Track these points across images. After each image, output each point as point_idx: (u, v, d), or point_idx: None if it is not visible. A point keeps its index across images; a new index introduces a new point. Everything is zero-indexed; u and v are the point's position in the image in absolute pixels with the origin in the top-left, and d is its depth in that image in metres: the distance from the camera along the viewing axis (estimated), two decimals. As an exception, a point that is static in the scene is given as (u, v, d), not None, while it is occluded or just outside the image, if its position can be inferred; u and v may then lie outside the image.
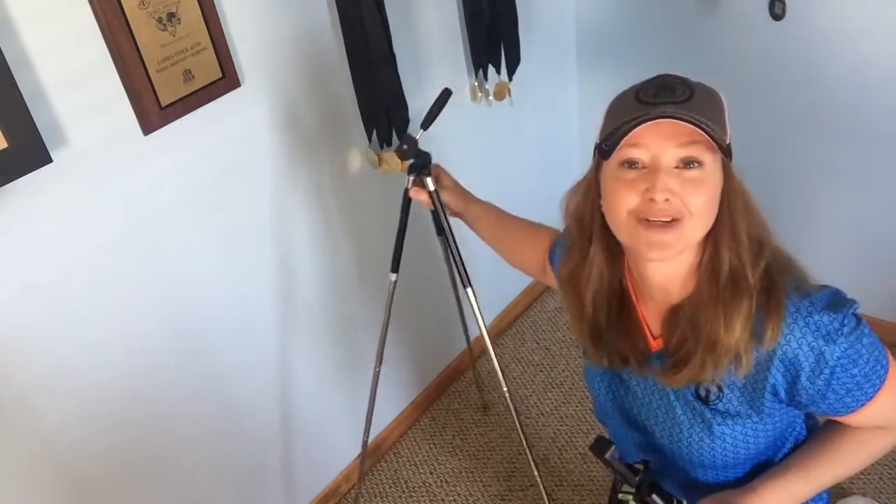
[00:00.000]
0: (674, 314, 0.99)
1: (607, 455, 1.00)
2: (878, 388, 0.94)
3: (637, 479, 1.03)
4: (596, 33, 2.50)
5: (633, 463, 1.07)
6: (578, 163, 2.78)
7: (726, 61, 2.19)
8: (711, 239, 0.92)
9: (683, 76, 0.91)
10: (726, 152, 0.88)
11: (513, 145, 2.44)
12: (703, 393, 0.99)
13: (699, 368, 0.94)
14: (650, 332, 1.02)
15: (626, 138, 0.87)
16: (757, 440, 1.00)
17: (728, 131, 0.89)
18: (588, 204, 0.99)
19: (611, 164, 0.91)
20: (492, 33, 2.06)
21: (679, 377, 0.96)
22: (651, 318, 1.02)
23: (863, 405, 0.94)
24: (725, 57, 2.19)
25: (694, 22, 2.21)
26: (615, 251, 1.00)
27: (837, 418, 0.99)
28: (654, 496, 1.03)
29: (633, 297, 1.03)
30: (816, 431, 1.10)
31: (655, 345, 1.02)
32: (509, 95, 2.25)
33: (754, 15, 2.07)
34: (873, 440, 1.01)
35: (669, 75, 0.90)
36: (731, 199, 0.91)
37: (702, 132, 0.84)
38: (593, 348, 1.05)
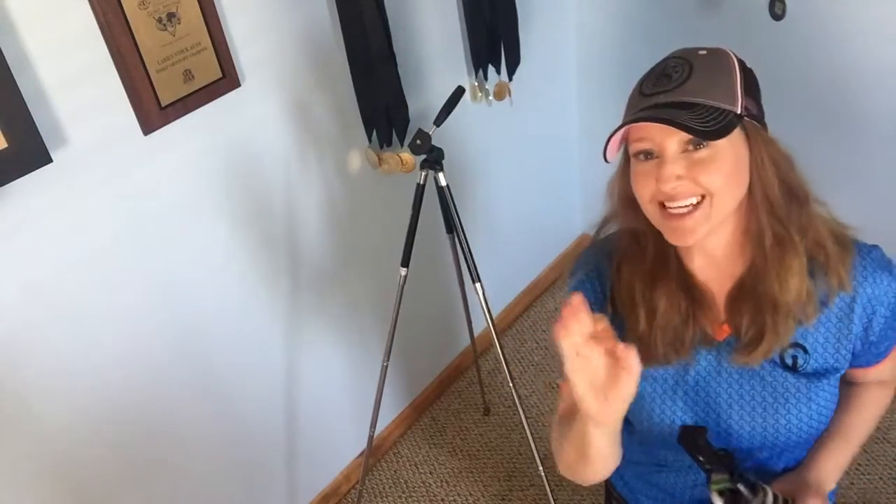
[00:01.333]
0: (737, 294, 0.99)
1: (701, 441, 0.95)
2: None
3: (730, 463, 0.98)
4: (596, 33, 2.50)
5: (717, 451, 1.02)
6: (578, 163, 2.78)
7: (726, 61, 2.19)
8: (750, 208, 0.93)
9: (690, 51, 0.91)
10: (728, 124, 0.86)
11: (513, 145, 2.44)
12: (789, 362, 0.99)
13: (773, 335, 0.95)
14: (715, 319, 1.01)
15: (631, 133, 0.89)
16: (837, 399, 1.04)
17: (739, 96, 0.88)
18: (628, 192, 0.98)
19: (630, 156, 0.93)
20: (492, 33, 2.06)
21: (757, 353, 0.96)
22: (718, 303, 1.02)
23: (891, 350, 1.04)
24: (725, 57, 2.19)
25: (694, 22, 2.21)
26: None
27: (861, 371, 1.05)
28: (741, 485, 0.98)
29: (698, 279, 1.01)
30: None
31: (723, 332, 1.01)
32: (509, 95, 2.25)
33: (754, 15, 2.07)
34: (881, 395, 1.11)
35: (673, 57, 0.91)
36: (760, 165, 0.91)
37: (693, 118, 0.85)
38: (675, 352, 1.00)
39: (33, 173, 1.24)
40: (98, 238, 1.41)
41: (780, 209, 0.92)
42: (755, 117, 0.90)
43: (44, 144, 1.22)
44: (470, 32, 2.05)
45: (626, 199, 0.99)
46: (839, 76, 2.03)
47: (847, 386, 1.11)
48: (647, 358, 0.98)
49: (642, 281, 1.00)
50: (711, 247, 0.97)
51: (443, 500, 2.20)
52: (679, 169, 0.87)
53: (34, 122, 1.19)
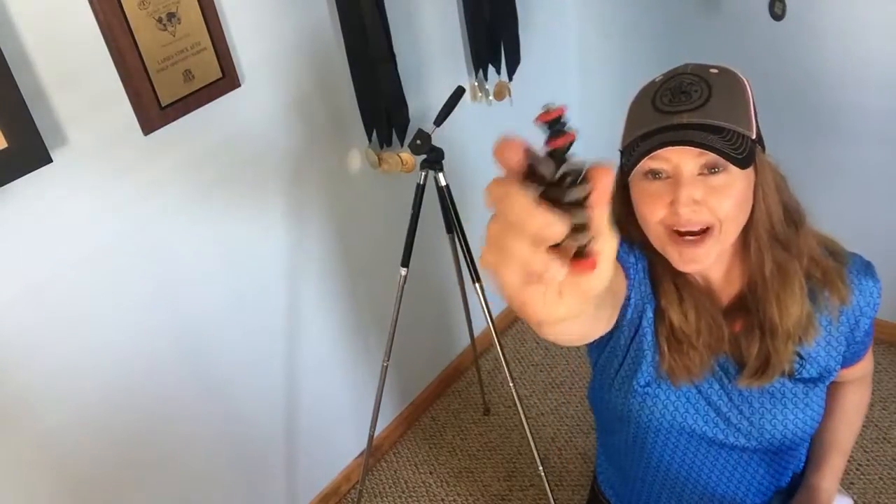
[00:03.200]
0: (732, 317, 0.99)
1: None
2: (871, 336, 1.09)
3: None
4: (596, 33, 2.50)
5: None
6: (578, 163, 2.78)
7: (726, 61, 2.17)
8: (751, 232, 0.92)
9: (701, 69, 0.90)
10: (751, 151, 0.86)
11: (513, 145, 2.44)
12: (785, 369, 1.00)
13: (777, 362, 0.96)
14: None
15: (642, 149, 0.86)
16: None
17: (754, 122, 0.88)
18: (625, 210, 0.95)
19: (636, 173, 0.89)
20: (492, 33, 2.06)
21: (763, 379, 0.97)
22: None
23: (867, 350, 1.08)
24: (725, 57, 2.17)
25: (694, 22, 2.21)
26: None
27: (843, 370, 1.07)
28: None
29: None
30: None
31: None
32: (509, 95, 2.25)
33: (754, 15, 2.07)
34: (862, 397, 1.16)
35: (687, 73, 0.90)
36: (765, 190, 0.90)
37: (720, 141, 0.83)
38: (713, 347, 0.98)
39: (33, 173, 1.23)
40: (98, 238, 1.41)
41: (782, 234, 0.93)
42: (760, 141, 0.90)
43: (44, 144, 1.22)
44: (470, 32, 2.05)
45: (620, 220, 0.97)
46: (839, 76, 2.03)
47: (830, 388, 1.12)
48: (697, 373, 0.96)
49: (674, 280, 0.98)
50: (709, 272, 0.97)
51: (443, 500, 2.19)
52: (697, 193, 0.85)
53: (34, 122, 1.19)
